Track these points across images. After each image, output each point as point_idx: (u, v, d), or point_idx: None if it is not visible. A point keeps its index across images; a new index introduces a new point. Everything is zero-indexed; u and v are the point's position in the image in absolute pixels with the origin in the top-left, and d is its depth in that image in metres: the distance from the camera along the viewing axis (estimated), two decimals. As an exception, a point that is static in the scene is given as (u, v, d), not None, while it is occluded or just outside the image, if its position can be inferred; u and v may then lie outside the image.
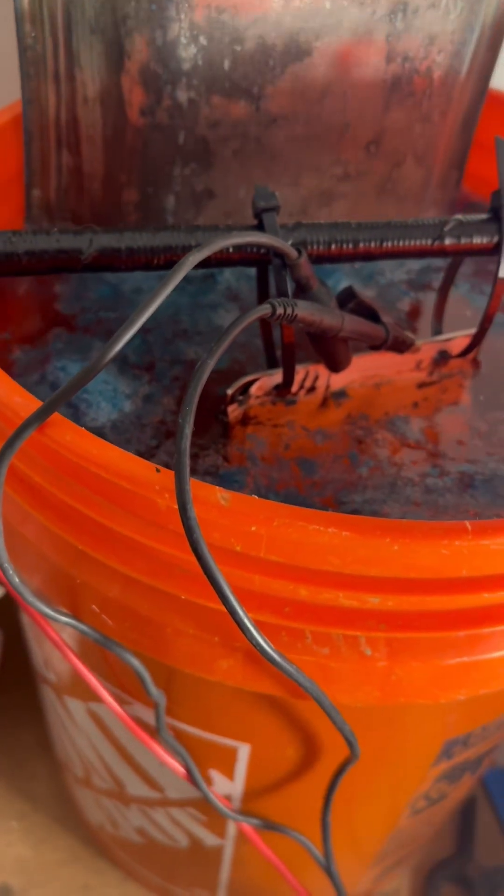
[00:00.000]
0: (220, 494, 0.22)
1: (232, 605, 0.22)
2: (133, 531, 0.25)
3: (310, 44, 0.36)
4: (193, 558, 0.24)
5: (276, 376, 0.34)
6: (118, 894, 0.59)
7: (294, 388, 0.34)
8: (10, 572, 0.25)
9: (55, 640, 0.34)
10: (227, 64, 0.35)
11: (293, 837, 0.40)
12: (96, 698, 0.38)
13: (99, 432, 0.33)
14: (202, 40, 0.34)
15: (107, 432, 0.33)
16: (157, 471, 0.23)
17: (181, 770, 0.36)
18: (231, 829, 0.42)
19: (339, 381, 0.35)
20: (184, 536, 0.24)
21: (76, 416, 0.33)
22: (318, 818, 0.40)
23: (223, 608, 0.25)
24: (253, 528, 0.22)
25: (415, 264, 0.45)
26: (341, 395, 0.35)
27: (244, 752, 0.34)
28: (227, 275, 0.42)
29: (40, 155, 0.36)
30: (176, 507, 0.22)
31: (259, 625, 0.26)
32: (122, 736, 0.39)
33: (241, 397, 0.33)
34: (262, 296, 0.34)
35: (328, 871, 0.40)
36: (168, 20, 0.33)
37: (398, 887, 0.61)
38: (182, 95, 0.36)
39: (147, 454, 0.32)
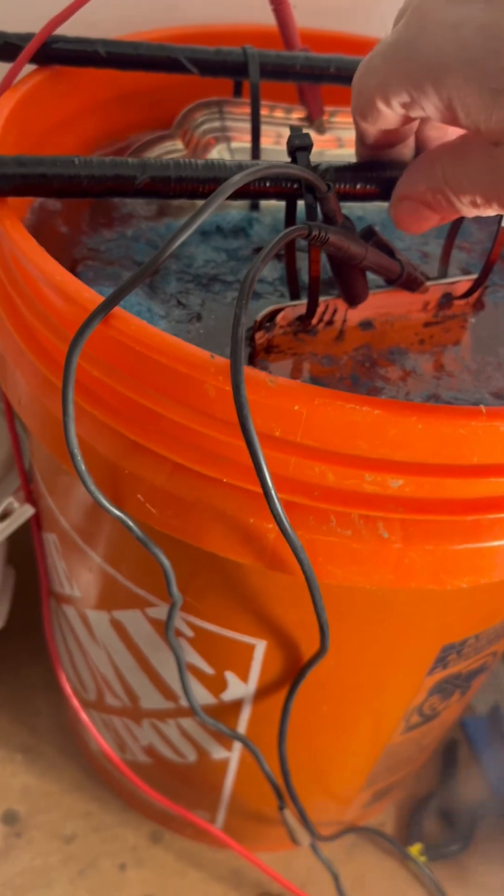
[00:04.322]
0: (269, 378, 0.25)
1: (262, 470, 0.25)
2: (183, 418, 0.28)
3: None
4: (237, 443, 0.27)
5: (300, 308, 0.37)
6: (119, 821, 0.62)
7: (314, 321, 0.38)
8: (78, 458, 0.28)
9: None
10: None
11: (248, 747, 0.43)
12: (120, 606, 0.41)
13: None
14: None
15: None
16: (212, 357, 0.26)
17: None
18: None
19: (354, 316, 0.39)
20: (230, 424, 0.27)
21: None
22: (321, 722, 0.43)
23: (260, 491, 0.28)
24: (296, 408, 0.25)
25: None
26: (367, 325, 0.38)
27: (260, 649, 0.38)
28: (257, 228, 0.45)
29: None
30: (226, 390, 0.25)
31: (290, 506, 0.29)
32: (143, 643, 0.42)
33: (268, 324, 0.36)
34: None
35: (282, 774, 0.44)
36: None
37: (384, 820, 0.64)
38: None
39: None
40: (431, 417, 0.25)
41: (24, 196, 0.31)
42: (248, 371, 0.26)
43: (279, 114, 0.49)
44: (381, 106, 0.26)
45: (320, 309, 0.37)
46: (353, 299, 0.37)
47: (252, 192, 0.33)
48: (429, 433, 0.25)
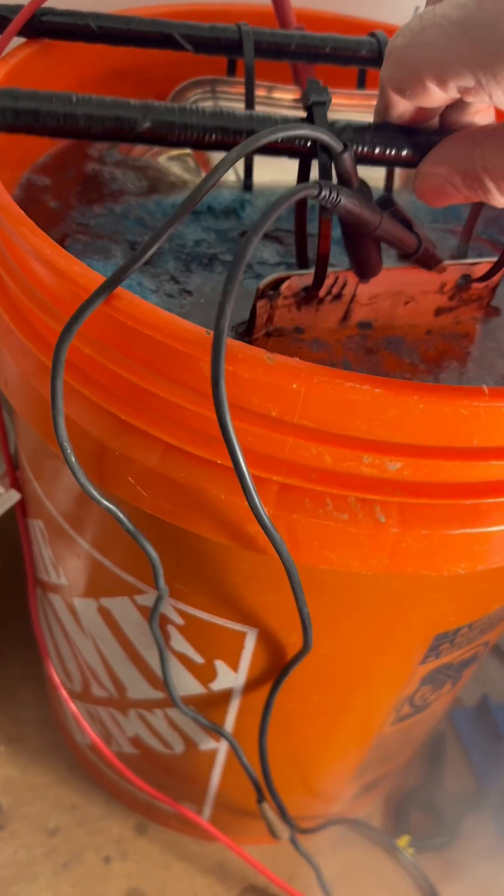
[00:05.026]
0: (267, 355, 0.25)
1: (234, 450, 0.24)
2: (176, 397, 0.27)
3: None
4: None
5: (307, 277, 0.35)
6: (103, 814, 0.61)
7: (321, 293, 0.36)
8: (69, 451, 0.28)
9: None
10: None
11: (228, 741, 0.42)
12: (108, 593, 0.40)
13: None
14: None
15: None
16: (208, 333, 0.25)
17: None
18: (227, 728, 0.44)
19: (365, 291, 0.37)
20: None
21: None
22: (312, 712, 0.43)
23: (258, 473, 0.28)
24: (294, 386, 0.25)
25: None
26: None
27: (251, 638, 0.37)
28: (249, 210, 0.44)
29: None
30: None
31: (286, 488, 0.28)
32: (131, 631, 0.41)
33: (271, 292, 0.34)
34: None
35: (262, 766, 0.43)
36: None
37: (371, 813, 0.64)
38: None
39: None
40: (433, 396, 0.24)
41: (15, 133, 0.30)
42: (245, 348, 0.25)
43: (271, 93, 0.48)
44: (432, 84, 0.24)
45: (329, 281, 0.35)
46: (364, 272, 0.35)
47: (264, 148, 0.32)
48: (429, 413, 0.25)
